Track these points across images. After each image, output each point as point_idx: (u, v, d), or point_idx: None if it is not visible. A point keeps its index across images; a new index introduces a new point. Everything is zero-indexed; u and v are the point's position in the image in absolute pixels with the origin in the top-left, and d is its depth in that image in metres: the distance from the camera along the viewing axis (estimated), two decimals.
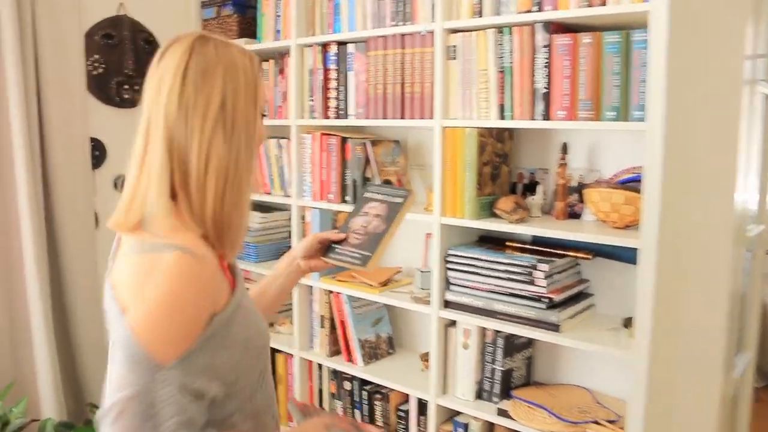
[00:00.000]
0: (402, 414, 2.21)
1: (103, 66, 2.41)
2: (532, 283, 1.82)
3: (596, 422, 1.77)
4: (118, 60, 2.44)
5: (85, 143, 2.35)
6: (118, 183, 2.49)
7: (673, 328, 1.79)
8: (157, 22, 2.55)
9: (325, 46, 2.21)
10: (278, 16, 2.33)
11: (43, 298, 2.19)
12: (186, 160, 1.01)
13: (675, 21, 1.52)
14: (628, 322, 1.81)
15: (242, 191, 1.05)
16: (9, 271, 2.22)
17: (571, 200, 1.95)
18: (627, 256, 1.87)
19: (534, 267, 1.81)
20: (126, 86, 2.46)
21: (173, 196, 1.01)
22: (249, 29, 2.50)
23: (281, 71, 2.38)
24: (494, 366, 1.98)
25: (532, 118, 1.78)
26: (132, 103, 2.50)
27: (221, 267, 1.04)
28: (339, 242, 1.44)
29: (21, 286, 2.20)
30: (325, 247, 1.45)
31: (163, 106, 1.01)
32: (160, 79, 1.02)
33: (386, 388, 2.25)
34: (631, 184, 1.80)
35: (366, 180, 2.19)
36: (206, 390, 0.99)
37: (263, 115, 1.14)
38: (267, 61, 2.43)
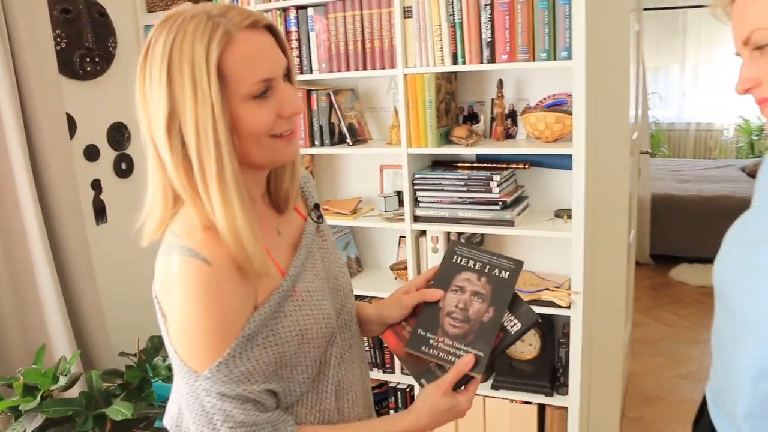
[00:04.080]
0: None
1: (65, 40, 2.55)
2: (488, 191, 2.32)
3: (547, 289, 2.34)
4: (78, 34, 2.59)
5: (63, 120, 2.44)
6: (88, 153, 2.67)
7: (595, 216, 2.38)
8: None
9: (285, 10, 2.53)
10: None
11: (47, 252, 2.33)
12: (166, 168, 0.97)
13: None
14: (559, 214, 2.38)
15: (222, 200, 0.93)
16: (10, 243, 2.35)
17: (507, 124, 2.47)
18: (554, 163, 2.43)
19: (490, 178, 2.31)
20: (88, 59, 2.62)
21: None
22: None
23: None
24: None
25: (481, 62, 2.25)
26: (95, 74, 2.67)
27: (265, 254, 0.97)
28: (430, 326, 1.15)
29: (24, 251, 2.35)
30: (414, 326, 1.17)
31: (140, 112, 0.98)
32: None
33: (368, 298, 2.69)
34: (555, 106, 2.34)
35: (331, 125, 2.58)
36: (250, 393, 0.96)
37: (262, 92, 0.96)
38: None
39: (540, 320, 1.21)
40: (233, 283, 0.94)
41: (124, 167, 2.80)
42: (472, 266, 1.20)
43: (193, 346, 0.95)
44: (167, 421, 1.11)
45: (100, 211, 2.68)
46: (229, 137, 0.93)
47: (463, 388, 1.11)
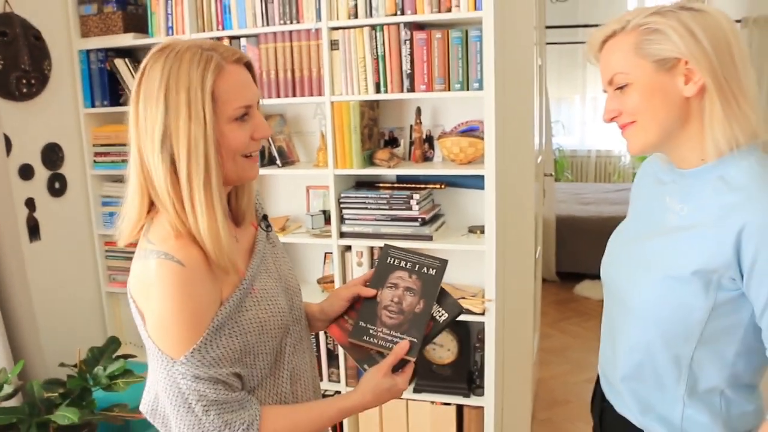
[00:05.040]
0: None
1: (2, 62, 2.61)
2: (408, 209, 2.54)
3: (463, 297, 2.57)
4: (14, 56, 2.65)
5: (0, 140, 2.47)
6: (22, 172, 2.73)
7: (504, 232, 2.64)
8: (41, 20, 2.77)
9: (218, 40, 2.69)
10: (169, 14, 2.74)
11: None
12: (152, 179, 1.12)
13: (497, 23, 2.31)
14: (473, 229, 2.62)
15: (206, 206, 1.09)
16: None
17: (425, 148, 2.70)
18: (468, 183, 2.67)
19: (410, 197, 2.53)
20: (24, 80, 2.68)
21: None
22: (136, 24, 2.84)
23: None
24: None
25: (401, 91, 2.48)
26: (30, 95, 2.73)
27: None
28: (369, 318, 1.34)
29: None
30: (355, 319, 1.37)
31: (131, 129, 1.13)
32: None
33: None
34: (468, 132, 2.60)
35: (262, 148, 2.74)
36: (220, 376, 1.11)
37: (242, 116, 1.14)
38: None
39: (465, 310, 1.41)
40: (203, 282, 1.10)
41: (58, 186, 2.86)
42: (403, 265, 1.40)
43: (170, 336, 1.10)
44: (143, 407, 1.25)
45: (33, 229, 2.73)
46: (216, 151, 1.11)
47: (400, 370, 1.29)
